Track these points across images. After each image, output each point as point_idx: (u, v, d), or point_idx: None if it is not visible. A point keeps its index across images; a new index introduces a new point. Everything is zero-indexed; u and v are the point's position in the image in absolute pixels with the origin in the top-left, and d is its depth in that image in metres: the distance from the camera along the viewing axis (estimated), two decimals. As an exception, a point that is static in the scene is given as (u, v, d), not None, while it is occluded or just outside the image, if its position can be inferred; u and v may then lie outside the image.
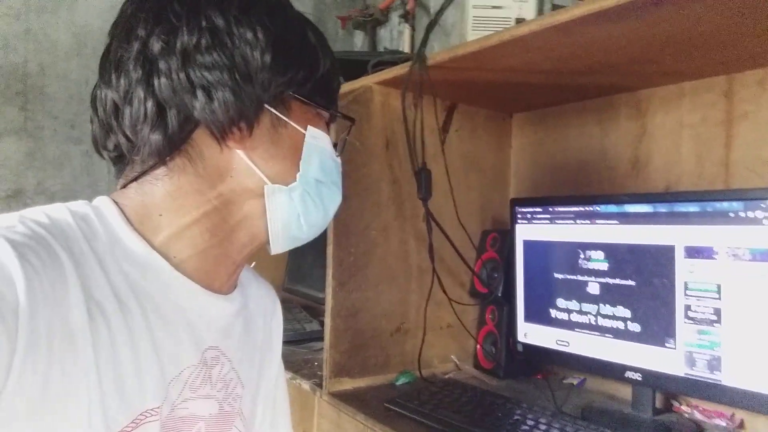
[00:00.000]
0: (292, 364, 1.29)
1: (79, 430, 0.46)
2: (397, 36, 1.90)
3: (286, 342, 1.44)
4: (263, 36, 0.56)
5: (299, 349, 1.43)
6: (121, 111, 0.55)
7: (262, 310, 0.74)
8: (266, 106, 0.57)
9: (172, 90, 0.53)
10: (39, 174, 1.66)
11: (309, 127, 0.61)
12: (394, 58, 1.16)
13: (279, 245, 0.62)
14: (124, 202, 0.56)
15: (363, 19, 1.91)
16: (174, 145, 0.55)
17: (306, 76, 0.60)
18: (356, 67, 1.22)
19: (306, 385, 1.16)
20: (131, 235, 0.54)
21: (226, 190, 0.57)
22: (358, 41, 2.09)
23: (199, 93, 0.54)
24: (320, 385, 1.12)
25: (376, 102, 1.15)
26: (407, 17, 1.72)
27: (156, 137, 0.54)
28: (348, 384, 1.12)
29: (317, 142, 0.62)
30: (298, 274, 1.86)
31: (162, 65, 0.54)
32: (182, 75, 0.53)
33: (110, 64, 0.56)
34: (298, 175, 0.60)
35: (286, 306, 1.80)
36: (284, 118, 0.59)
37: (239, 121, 0.55)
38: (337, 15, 1.99)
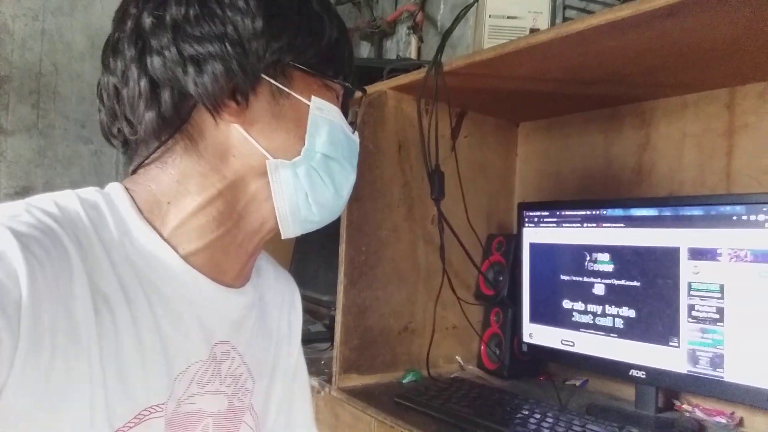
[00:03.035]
0: (298, 362, 1.31)
1: (82, 425, 0.45)
2: (403, 47, 1.94)
3: (292, 342, 1.47)
4: (254, 1, 0.53)
5: (304, 349, 1.44)
6: (121, 93, 0.55)
7: (280, 300, 0.72)
8: (263, 76, 0.55)
9: (163, 65, 0.52)
10: (48, 172, 1.68)
11: (313, 97, 0.57)
12: (407, 65, 1.20)
13: (289, 228, 0.60)
14: (134, 188, 0.55)
15: (370, 31, 1.96)
16: (170, 123, 0.54)
17: (306, 43, 0.56)
18: (368, 74, 1.27)
19: (315, 382, 1.18)
20: (140, 225, 0.53)
21: (230, 172, 0.55)
22: (365, 52, 2.14)
23: (190, 66, 0.52)
24: (329, 381, 1.14)
25: (389, 106, 1.19)
26: (416, 29, 1.77)
27: (150, 115, 0.53)
28: (356, 380, 1.14)
29: (324, 114, 0.58)
30: (302, 276, 1.88)
31: (154, 42, 0.53)
32: (173, 49, 0.52)
33: (109, 48, 0.56)
34: (303, 150, 0.57)
35: (289, 308, 1.83)
36: (284, 88, 0.56)
37: (233, 93, 0.53)
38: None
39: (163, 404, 0.51)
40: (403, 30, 1.93)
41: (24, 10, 1.63)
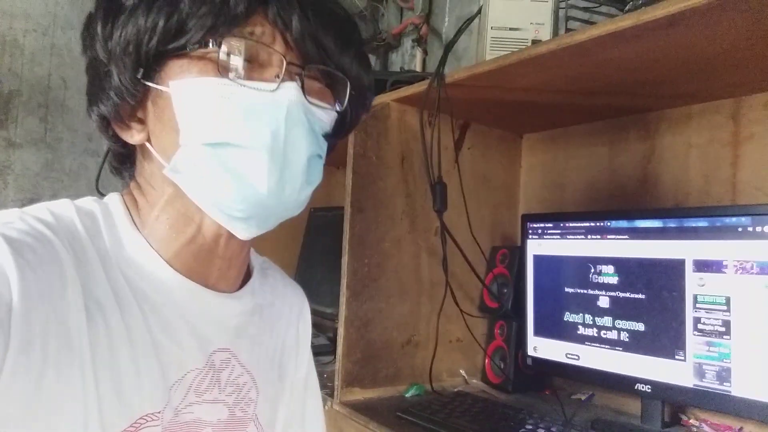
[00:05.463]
0: (301, 375, 1.30)
1: None
2: (408, 60, 1.95)
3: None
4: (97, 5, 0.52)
5: (308, 362, 1.44)
6: None
7: (288, 310, 0.71)
8: (125, 86, 0.50)
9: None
10: (55, 185, 1.69)
11: (170, 82, 0.49)
12: (411, 77, 1.20)
13: (241, 230, 0.53)
14: (127, 198, 0.56)
15: (376, 44, 1.97)
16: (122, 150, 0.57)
17: (157, 23, 0.48)
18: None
19: (317, 395, 1.17)
20: (131, 233, 0.53)
21: (166, 183, 0.53)
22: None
23: (94, 114, 0.55)
24: (332, 395, 1.13)
25: (393, 118, 1.19)
26: (420, 41, 1.77)
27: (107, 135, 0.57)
28: (359, 394, 1.13)
29: (194, 92, 0.48)
30: (306, 288, 1.87)
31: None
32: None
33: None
34: (178, 150, 0.50)
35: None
36: (152, 84, 0.50)
37: (123, 119, 0.53)
38: (351, 39, 2.05)
39: (159, 413, 0.51)
40: (408, 43, 1.94)
41: (34, 26, 1.65)
